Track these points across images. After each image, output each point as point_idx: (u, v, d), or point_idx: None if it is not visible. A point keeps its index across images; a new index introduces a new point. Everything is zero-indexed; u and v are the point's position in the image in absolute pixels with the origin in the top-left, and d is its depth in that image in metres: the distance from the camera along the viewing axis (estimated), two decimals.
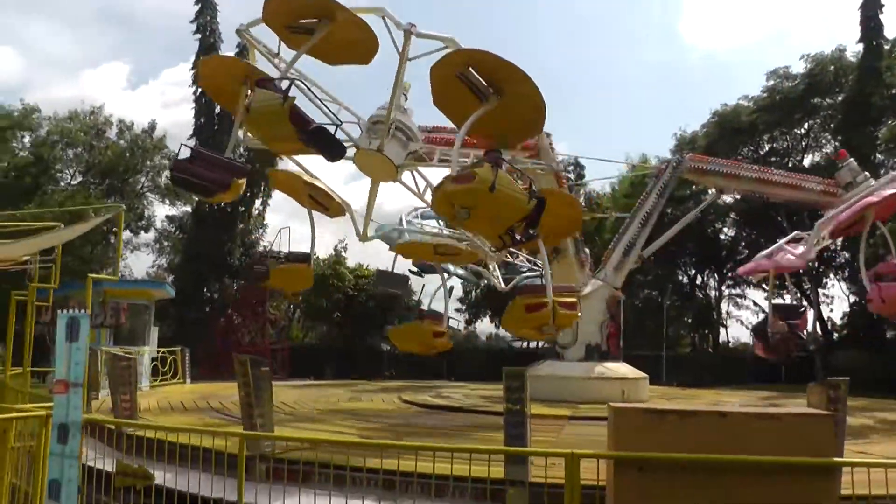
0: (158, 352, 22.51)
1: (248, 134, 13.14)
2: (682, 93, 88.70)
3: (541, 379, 16.70)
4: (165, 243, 43.76)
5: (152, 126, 43.28)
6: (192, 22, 35.98)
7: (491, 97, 9.85)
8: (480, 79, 9.81)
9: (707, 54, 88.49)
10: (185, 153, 11.88)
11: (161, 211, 44.27)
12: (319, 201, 14.45)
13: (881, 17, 32.36)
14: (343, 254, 39.09)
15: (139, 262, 65.09)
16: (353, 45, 11.17)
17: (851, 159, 17.79)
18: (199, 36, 35.98)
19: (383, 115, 11.43)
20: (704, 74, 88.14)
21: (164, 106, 72.07)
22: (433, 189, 10.88)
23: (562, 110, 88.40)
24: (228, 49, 37.18)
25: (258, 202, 38.80)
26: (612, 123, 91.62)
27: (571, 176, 38.41)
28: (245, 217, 36.31)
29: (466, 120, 9.90)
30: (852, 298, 34.16)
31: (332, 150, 10.90)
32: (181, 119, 75.81)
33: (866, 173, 17.98)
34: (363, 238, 14.86)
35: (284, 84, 10.45)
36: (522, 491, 7.53)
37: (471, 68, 9.75)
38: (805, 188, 18.70)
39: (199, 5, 36.06)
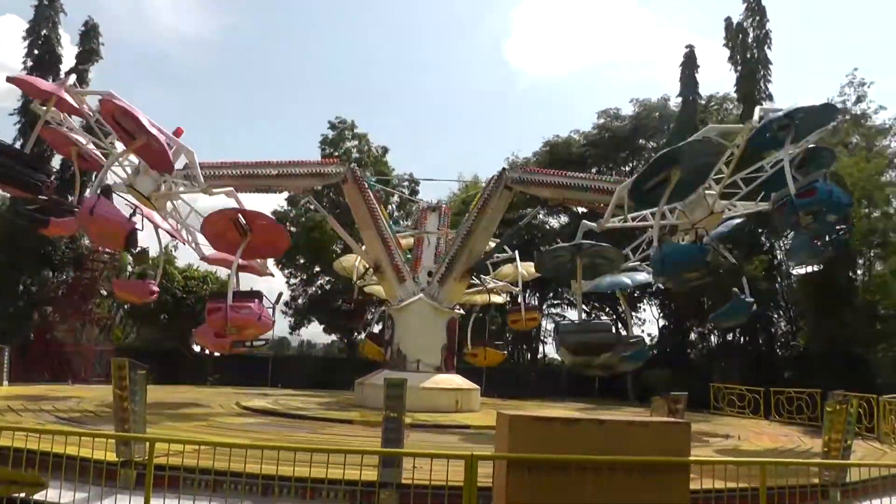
0: None
1: None
2: (514, 118, 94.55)
3: (377, 388, 17.20)
4: None
5: None
6: None
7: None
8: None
9: (535, 81, 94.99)
10: None
11: None
12: None
13: (697, 75, 36.80)
14: (173, 253, 37.33)
15: None
16: None
17: None
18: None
19: None
20: (533, 101, 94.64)
21: None
22: None
23: (401, 134, 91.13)
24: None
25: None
26: (450, 147, 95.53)
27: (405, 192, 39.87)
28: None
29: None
30: (661, 322, 38.18)
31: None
32: None
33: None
34: None
35: None
36: (396, 493, 8.06)
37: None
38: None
39: None
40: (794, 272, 27.41)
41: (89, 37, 34.17)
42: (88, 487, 7.78)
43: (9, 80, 15.55)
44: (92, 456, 7.93)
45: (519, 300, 25.84)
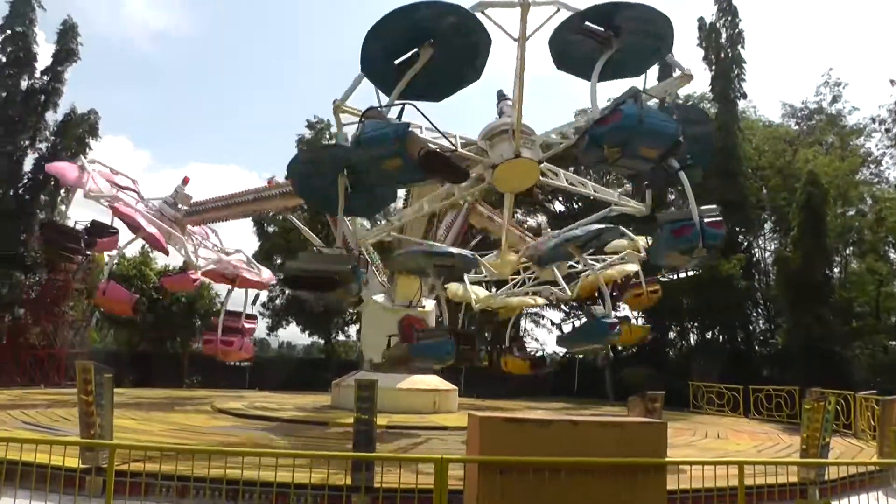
0: None
1: None
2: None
3: (353, 389, 16.65)
4: None
5: None
6: None
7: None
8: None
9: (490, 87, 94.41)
10: None
11: None
12: None
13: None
14: (150, 254, 36.69)
15: None
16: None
17: None
18: None
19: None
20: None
21: None
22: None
23: None
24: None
25: (62, 192, 35.44)
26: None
27: None
28: (47, 208, 32.79)
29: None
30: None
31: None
32: None
33: None
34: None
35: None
36: (366, 497, 7.81)
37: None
38: None
39: None
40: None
41: (67, 36, 33.45)
42: (45, 495, 7.46)
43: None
44: (49, 462, 7.59)
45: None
